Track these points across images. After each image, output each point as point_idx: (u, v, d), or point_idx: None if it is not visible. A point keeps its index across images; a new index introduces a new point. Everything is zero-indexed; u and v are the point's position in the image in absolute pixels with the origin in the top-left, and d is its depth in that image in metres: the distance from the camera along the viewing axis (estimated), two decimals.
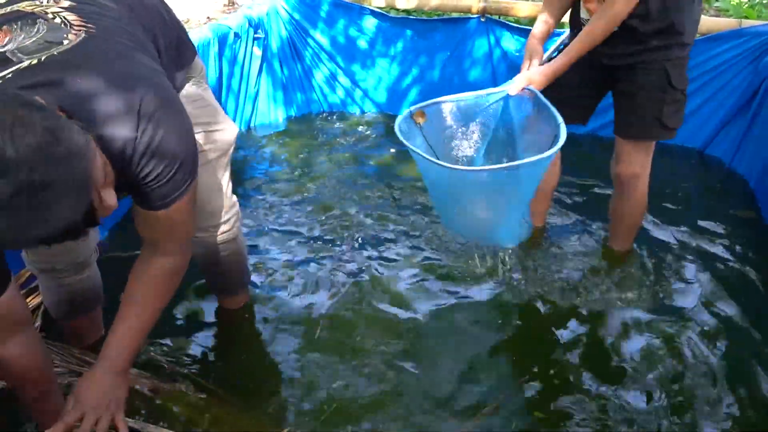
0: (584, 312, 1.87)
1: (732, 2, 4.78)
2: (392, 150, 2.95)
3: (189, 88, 1.42)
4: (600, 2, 1.64)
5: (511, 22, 2.94)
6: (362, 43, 3.14)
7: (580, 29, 1.69)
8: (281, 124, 3.24)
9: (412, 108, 1.63)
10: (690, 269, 2.06)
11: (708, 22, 2.77)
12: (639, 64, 1.70)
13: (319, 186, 2.62)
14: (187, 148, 1.09)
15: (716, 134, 2.80)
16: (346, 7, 3.06)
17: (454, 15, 3.01)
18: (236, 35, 2.78)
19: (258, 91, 3.11)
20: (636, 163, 1.84)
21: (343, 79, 3.26)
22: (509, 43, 2.93)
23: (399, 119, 1.58)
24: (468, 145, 1.77)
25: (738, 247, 2.17)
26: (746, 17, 4.24)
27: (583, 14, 1.75)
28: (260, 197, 2.53)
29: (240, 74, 2.94)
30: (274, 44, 3.10)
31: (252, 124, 3.17)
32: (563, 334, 1.81)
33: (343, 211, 2.42)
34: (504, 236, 1.78)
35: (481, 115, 1.72)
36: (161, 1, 1.38)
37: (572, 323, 1.84)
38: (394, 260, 2.13)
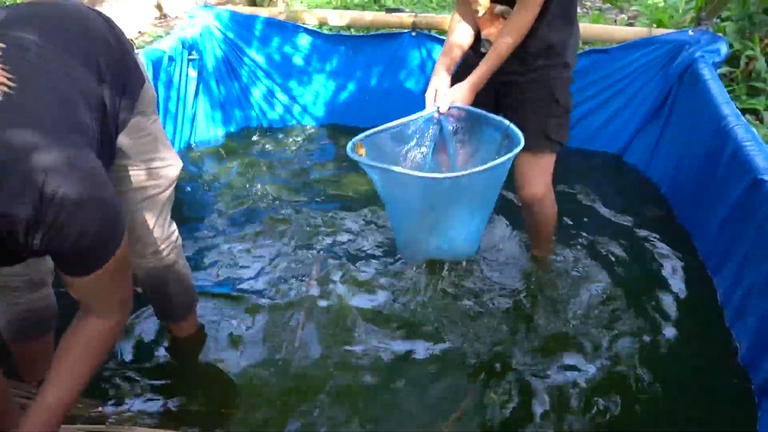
0: (519, 312, 2.02)
1: (647, 2, 5.09)
2: (334, 161, 3.04)
3: (135, 121, 1.41)
4: (492, 23, 1.78)
5: (440, 35, 3.07)
6: (298, 60, 3.20)
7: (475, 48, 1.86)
8: (221, 141, 3.26)
9: (353, 140, 1.69)
10: (606, 267, 2.24)
11: (621, 32, 2.98)
12: (528, 82, 1.83)
13: (263, 201, 2.68)
14: (102, 223, 1.03)
15: (632, 140, 3.00)
16: (279, 25, 3.11)
17: (387, 30, 3.10)
18: (171, 58, 2.78)
19: (196, 111, 3.12)
20: (538, 185, 1.94)
21: (281, 95, 3.31)
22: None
23: (348, 147, 1.65)
24: (410, 166, 1.84)
25: (647, 245, 2.37)
26: (660, 21, 4.54)
27: (484, 47, 1.86)
28: (203, 216, 2.56)
29: (177, 96, 2.94)
30: (210, 64, 3.12)
31: (192, 142, 3.18)
32: (505, 334, 1.93)
33: (290, 226, 2.47)
34: (463, 247, 1.85)
35: (416, 137, 1.81)
36: (110, 27, 1.35)
37: (510, 323, 1.97)
38: (349, 275, 2.18)
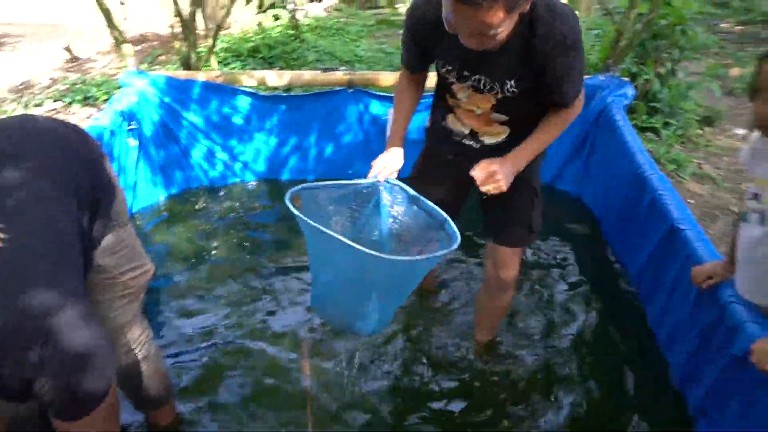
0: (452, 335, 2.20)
1: None
2: (277, 217, 3.12)
3: (109, 238, 1.44)
4: (486, 123, 1.71)
5: (376, 91, 3.22)
6: (238, 120, 3.25)
7: (444, 135, 1.82)
8: (163, 204, 3.25)
9: (291, 190, 1.58)
10: (542, 288, 2.55)
11: None
12: (519, 179, 1.69)
13: (208, 261, 2.73)
14: (101, 365, 1.09)
15: (561, 171, 3.29)
16: (217, 88, 3.15)
17: (325, 89, 3.22)
18: (112, 132, 2.77)
19: (137, 179, 3.10)
20: (516, 267, 1.95)
21: (221, 154, 3.34)
22: (377, 108, 3.22)
23: (286, 196, 1.55)
24: (340, 230, 1.73)
25: (581, 268, 2.69)
26: None
27: (454, 126, 1.81)
28: (154, 285, 2.55)
29: (118, 168, 2.92)
30: (148, 129, 3.11)
31: (134, 210, 3.15)
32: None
33: (244, 286, 2.55)
34: (370, 326, 1.68)
35: (353, 203, 1.74)
36: (84, 141, 1.36)
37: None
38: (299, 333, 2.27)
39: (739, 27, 7.71)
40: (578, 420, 1.95)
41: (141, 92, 3.07)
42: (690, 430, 1.85)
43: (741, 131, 4.44)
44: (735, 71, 5.74)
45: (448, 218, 1.57)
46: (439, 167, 1.92)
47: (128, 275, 1.52)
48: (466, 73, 1.60)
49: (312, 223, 1.44)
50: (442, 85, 1.77)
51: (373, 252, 1.34)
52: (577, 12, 7.49)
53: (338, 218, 1.74)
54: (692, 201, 3.39)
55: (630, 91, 3.04)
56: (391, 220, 1.74)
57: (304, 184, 1.61)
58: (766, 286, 1.53)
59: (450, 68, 1.63)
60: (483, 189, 1.60)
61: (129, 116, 2.94)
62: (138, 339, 1.64)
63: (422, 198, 1.65)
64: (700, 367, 1.81)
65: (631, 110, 4.00)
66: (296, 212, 1.48)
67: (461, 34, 1.38)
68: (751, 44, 6.93)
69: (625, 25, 3.22)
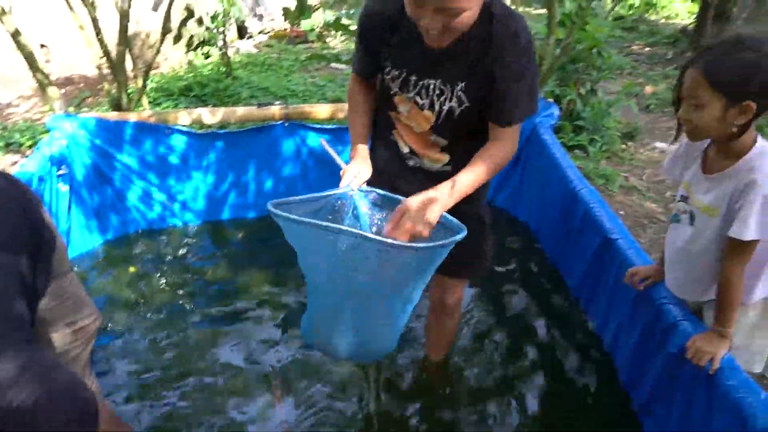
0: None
1: None
2: (219, 257, 3.07)
3: (54, 287, 1.39)
4: (425, 145, 1.64)
5: (311, 123, 3.25)
6: (174, 159, 3.20)
7: (388, 149, 1.70)
8: (100, 251, 3.13)
9: (271, 202, 1.38)
10: (489, 303, 2.62)
11: None
12: (464, 214, 1.65)
13: (156, 309, 2.64)
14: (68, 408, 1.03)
15: (497, 190, 3.40)
16: (150, 128, 3.10)
17: (260, 124, 3.22)
18: (40, 179, 2.66)
19: (70, 225, 2.99)
20: (460, 293, 1.98)
21: (158, 195, 3.27)
22: (313, 141, 3.24)
23: (268, 205, 1.36)
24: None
25: (524, 281, 2.77)
26: None
27: (398, 141, 1.71)
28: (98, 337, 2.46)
29: (50, 215, 2.80)
30: (79, 173, 3.01)
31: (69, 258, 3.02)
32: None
33: (193, 331, 2.47)
34: (383, 346, 1.59)
35: (331, 215, 1.57)
36: (20, 190, 1.30)
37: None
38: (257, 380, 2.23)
39: (648, 49, 8.27)
40: (531, 423, 2.02)
41: (70, 136, 2.98)
42: (638, 431, 1.92)
43: (660, 144, 4.74)
44: (648, 89, 6.14)
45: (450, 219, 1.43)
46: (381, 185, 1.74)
47: (74, 326, 1.47)
48: (414, 77, 1.54)
49: (299, 218, 1.27)
50: (385, 97, 1.67)
51: (376, 237, 1.22)
52: None
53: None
54: (622, 212, 3.57)
55: (555, 111, 3.21)
56: (374, 229, 1.58)
57: (277, 200, 1.41)
58: (696, 283, 1.64)
59: (397, 73, 1.56)
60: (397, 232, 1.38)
61: (58, 161, 2.84)
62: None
63: (402, 198, 1.46)
64: (644, 368, 1.90)
65: (558, 129, 4.21)
66: (283, 213, 1.31)
67: (424, 16, 1.30)
68: (659, 64, 7.44)
69: (545, 51, 3.40)
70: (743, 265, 1.46)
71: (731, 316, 1.50)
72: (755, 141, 1.44)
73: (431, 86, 1.53)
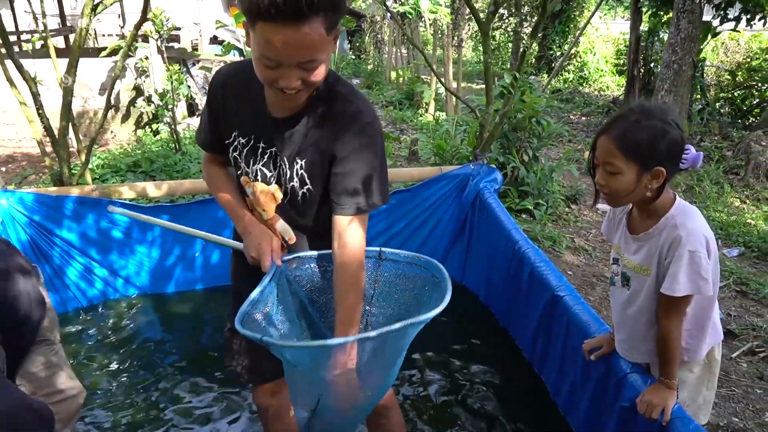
0: None
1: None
2: (164, 331, 2.95)
3: (34, 358, 1.39)
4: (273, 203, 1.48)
5: None
6: (117, 234, 3.11)
7: None
8: None
9: (237, 320, 1.27)
10: (441, 372, 2.53)
11: (415, 172, 3.45)
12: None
13: (102, 389, 2.48)
14: None
15: (445, 258, 3.43)
16: (92, 202, 3.02)
17: (207, 196, 3.19)
18: None
19: None
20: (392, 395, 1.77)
21: (100, 271, 3.15)
22: None
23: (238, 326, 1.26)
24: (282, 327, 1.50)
25: (477, 348, 2.71)
26: (439, 146, 5.29)
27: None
28: None
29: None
30: None
31: None
32: None
33: (143, 410, 2.34)
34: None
35: (277, 301, 1.48)
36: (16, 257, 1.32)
37: None
38: None
39: (584, 118, 8.75)
40: None
41: (6, 212, 2.87)
42: None
43: (602, 206, 4.93)
44: (587, 154, 6.43)
45: (382, 248, 1.44)
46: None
47: (53, 398, 1.43)
48: (262, 144, 1.42)
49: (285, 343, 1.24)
50: (237, 178, 1.54)
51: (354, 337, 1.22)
52: (444, 113, 8.11)
53: (283, 323, 1.48)
54: (571, 272, 3.65)
55: (498, 176, 3.31)
56: (317, 294, 1.55)
57: (240, 312, 1.29)
58: (641, 342, 1.64)
59: (244, 141, 1.44)
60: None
61: None
62: None
63: (315, 253, 1.48)
64: (600, 423, 1.88)
65: (504, 195, 4.34)
66: (276, 341, 1.24)
67: (282, 75, 1.22)
68: (595, 131, 7.85)
69: (486, 119, 3.55)
70: (680, 320, 1.49)
71: (675, 368, 1.52)
72: (674, 199, 1.50)
73: (271, 160, 1.42)
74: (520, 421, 2.27)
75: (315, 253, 1.51)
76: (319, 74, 1.25)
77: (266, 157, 1.43)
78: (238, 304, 1.46)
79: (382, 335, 1.19)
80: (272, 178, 1.44)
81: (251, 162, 1.45)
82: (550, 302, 2.25)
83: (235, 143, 1.46)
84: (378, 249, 1.51)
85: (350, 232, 1.39)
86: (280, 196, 1.45)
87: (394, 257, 1.52)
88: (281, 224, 1.48)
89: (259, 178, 1.45)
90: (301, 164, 1.40)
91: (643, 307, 1.56)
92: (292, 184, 1.42)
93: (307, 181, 1.41)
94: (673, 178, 1.46)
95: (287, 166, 1.41)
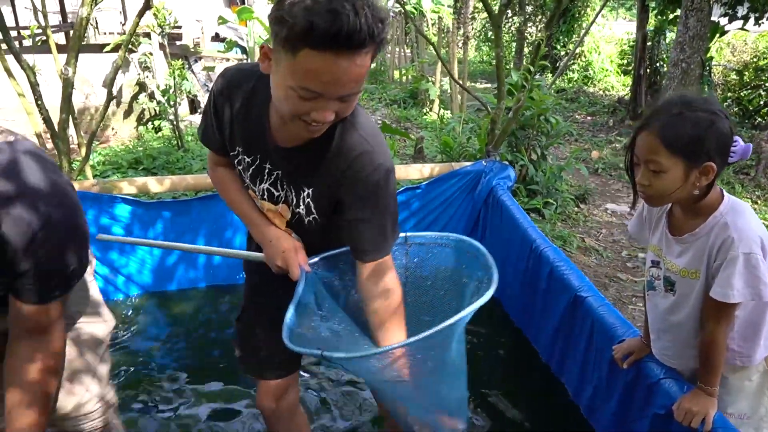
0: None
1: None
2: (168, 331, 2.86)
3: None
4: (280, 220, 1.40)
5: None
6: (118, 230, 3.02)
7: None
8: None
9: (285, 336, 1.22)
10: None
11: (425, 169, 3.35)
12: None
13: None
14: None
15: None
16: (93, 198, 2.92)
17: (210, 192, 3.10)
18: None
19: None
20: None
21: (101, 269, 3.05)
22: None
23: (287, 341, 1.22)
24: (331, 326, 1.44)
25: (493, 351, 2.61)
26: (446, 143, 5.19)
27: None
28: None
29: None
30: None
31: None
32: None
33: (141, 415, 2.23)
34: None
35: (318, 308, 1.43)
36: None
37: None
38: None
39: (590, 117, 8.66)
40: None
41: None
42: None
43: (611, 206, 4.84)
44: (595, 154, 6.36)
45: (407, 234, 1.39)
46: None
47: (82, 319, 1.46)
48: (268, 165, 1.33)
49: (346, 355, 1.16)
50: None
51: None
52: (449, 111, 8.01)
53: (329, 330, 1.40)
54: (582, 272, 3.55)
55: (512, 173, 3.21)
56: (354, 291, 1.47)
57: (285, 324, 1.23)
58: (689, 349, 1.52)
59: (249, 161, 1.35)
60: None
61: None
62: (100, 401, 1.51)
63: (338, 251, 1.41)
64: (629, 429, 1.78)
65: (512, 193, 4.25)
66: (330, 354, 1.15)
67: (319, 107, 1.10)
68: (602, 131, 7.77)
69: (498, 115, 3.46)
70: (729, 326, 1.39)
71: (718, 376, 1.42)
72: (722, 195, 1.39)
73: (279, 184, 1.33)
74: (541, 422, 2.18)
75: (338, 251, 1.43)
76: (353, 106, 1.17)
77: (273, 177, 1.33)
78: (253, 296, 1.53)
79: (445, 329, 1.12)
80: (280, 198, 1.35)
81: (258, 181, 1.36)
82: (572, 303, 2.15)
83: (240, 158, 1.36)
84: (403, 235, 1.44)
85: (378, 274, 1.32)
86: (288, 215, 1.36)
87: (421, 240, 1.46)
88: (294, 237, 1.41)
89: (266, 197, 1.36)
90: (308, 192, 1.31)
91: (690, 312, 1.45)
92: (298, 210, 1.34)
93: (313, 210, 1.32)
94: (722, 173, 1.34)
95: (293, 194, 1.32)
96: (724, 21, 7.62)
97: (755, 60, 8.68)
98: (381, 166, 1.24)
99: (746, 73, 8.32)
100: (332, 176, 1.26)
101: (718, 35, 7.78)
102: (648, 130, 1.33)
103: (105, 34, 10.00)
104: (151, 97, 6.65)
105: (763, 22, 7.30)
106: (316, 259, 1.41)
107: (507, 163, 3.33)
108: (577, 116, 8.73)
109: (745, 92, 8.14)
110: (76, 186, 2.94)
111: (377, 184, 1.25)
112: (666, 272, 1.49)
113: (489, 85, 11.20)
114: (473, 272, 1.36)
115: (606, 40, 12.42)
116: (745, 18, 7.37)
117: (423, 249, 1.46)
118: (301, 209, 1.33)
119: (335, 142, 1.24)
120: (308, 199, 1.31)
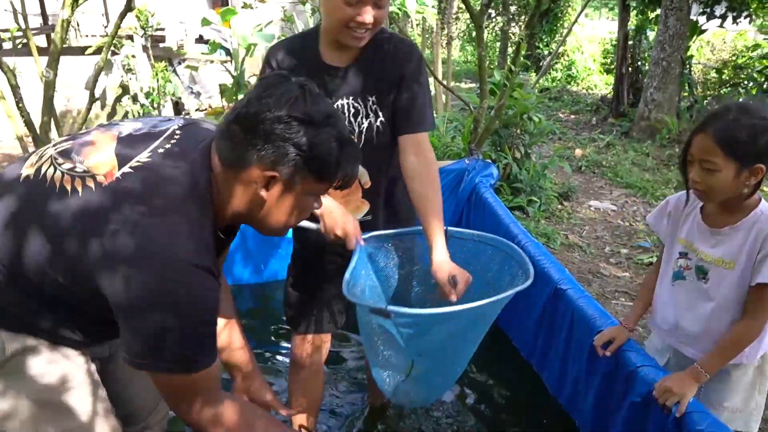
0: None
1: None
2: None
3: None
4: (361, 197, 1.63)
5: None
6: None
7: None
8: None
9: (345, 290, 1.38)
10: None
11: None
12: None
13: None
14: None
15: None
16: None
17: None
18: None
19: None
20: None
21: None
22: None
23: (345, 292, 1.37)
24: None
25: None
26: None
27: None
28: None
29: None
30: None
31: None
32: None
33: None
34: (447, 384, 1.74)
35: (365, 273, 1.63)
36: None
37: None
38: None
39: (573, 116, 8.75)
40: None
41: None
42: None
43: (594, 203, 4.90)
44: (578, 152, 6.42)
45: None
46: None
47: None
48: (331, 100, 1.53)
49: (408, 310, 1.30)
50: None
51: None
52: (434, 111, 8.02)
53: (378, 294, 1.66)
54: (566, 268, 3.60)
55: (495, 171, 3.25)
56: (416, 267, 1.69)
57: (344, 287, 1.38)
58: (710, 336, 1.58)
59: None
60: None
61: None
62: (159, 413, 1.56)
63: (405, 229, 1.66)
64: (607, 420, 1.82)
65: (496, 191, 4.28)
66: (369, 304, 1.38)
67: (361, 12, 1.40)
68: (585, 129, 7.85)
69: (480, 113, 3.50)
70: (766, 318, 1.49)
71: (721, 366, 1.51)
72: (759, 197, 1.53)
73: (345, 106, 1.56)
74: (524, 421, 2.21)
75: (391, 231, 1.65)
76: (385, 14, 1.44)
77: (339, 106, 1.55)
78: (303, 267, 1.77)
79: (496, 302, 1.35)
80: (358, 117, 1.56)
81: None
82: (552, 296, 2.19)
83: None
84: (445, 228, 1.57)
85: (426, 146, 1.55)
86: (366, 180, 1.61)
87: (461, 235, 1.65)
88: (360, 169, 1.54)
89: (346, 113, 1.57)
90: (373, 100, 1.55)
91: (724, 301, 1.54)
92: (368, 121, 1.56)
93: (380, 113, 1.56)
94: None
95: (360, 108, 1.55)
96: (702, 20, 7.74)
97: (734, 58, 8.82)
98: (415, 46, 1.59)
99: (725, 71, 8.45)
100: (388, 70, 1.53)
101: (697, 34, 7.89)
102: (705, 132, 1.46)
103: (87, 36, 9.93)
104: (135, 99, 6.61)
105: (740, 21, 7.43)
106: (369, 235, 1.59)
107: (490, 161, 3.37)
108: (560, 115, 8.81)
109: (724, 90, 8.27)
110: None
111: (420, 60, 1.56)
112: (699, 262, 1.58)
113: (473, 85, 11.27)
114: (507, 268, 1.57)
115: (589, 40, 12.54)
116: (723, 17, 7.49)
117: (460, 243, 1.64)
118: (371, 118, 1.56)
119: (376, 44, 1.52)
120: (375, 107, 1.55)
